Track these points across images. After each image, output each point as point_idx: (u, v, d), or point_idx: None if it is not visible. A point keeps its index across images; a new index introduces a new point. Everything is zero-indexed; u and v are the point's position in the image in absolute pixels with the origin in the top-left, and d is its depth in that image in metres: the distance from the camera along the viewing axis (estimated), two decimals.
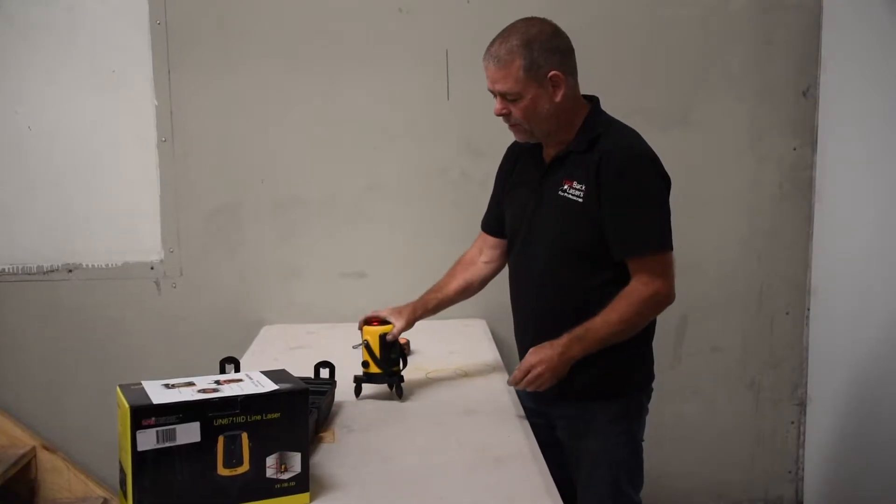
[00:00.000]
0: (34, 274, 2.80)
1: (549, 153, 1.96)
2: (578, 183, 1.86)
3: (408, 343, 2.41)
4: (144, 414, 1.32)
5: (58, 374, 2.84)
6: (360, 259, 2.87)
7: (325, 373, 1.99)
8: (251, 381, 1.46)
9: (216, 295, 2.84)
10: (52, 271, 2.80)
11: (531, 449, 1.68)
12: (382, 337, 1.98)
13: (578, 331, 1.82)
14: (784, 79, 2.87)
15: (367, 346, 1.98)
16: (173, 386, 1.43)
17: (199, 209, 2.81)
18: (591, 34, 2.77)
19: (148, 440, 1.32)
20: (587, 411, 1.94)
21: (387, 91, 2.79)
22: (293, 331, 2.74)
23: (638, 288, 1.83)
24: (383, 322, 2.02)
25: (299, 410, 1.44)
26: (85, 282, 2.81)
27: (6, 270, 2.79)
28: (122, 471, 1.37)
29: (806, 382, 2.98)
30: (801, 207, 2.92)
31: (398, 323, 2.01)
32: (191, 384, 1.44)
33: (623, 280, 1.87)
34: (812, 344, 2.95)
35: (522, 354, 2.04)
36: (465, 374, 2.23)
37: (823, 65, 2.87)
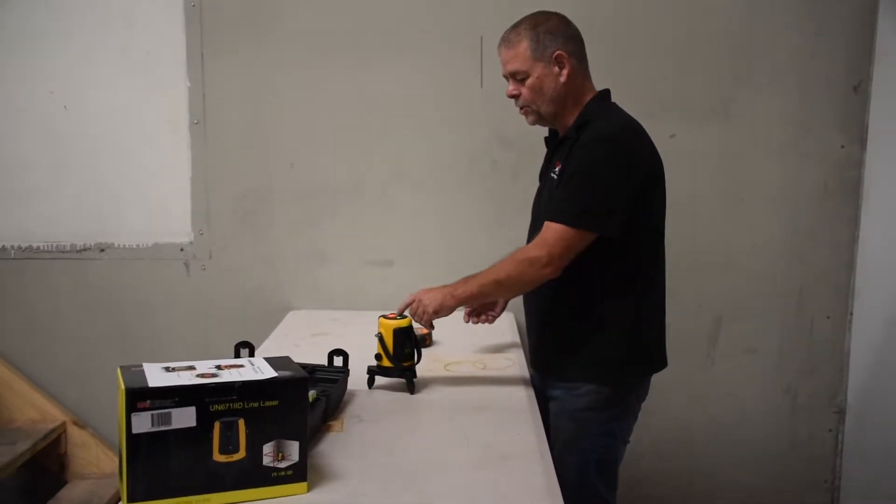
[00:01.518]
0: (67, 252, 2.83)
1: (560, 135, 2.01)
2: (561, 165, 1.91)
3: (429, 334, 2.39)
4: (140, 396, 1.31)
5: (87, 351, 2.87)
6: (386, 247, 2.84)
7: (338, 361, 1.97)
8: (252, 368, 1.44)
9: (244, 278, 2.84)
10: (85, 250, 2.83)
11: (539, 447, 1.63)
12: (396, 332, 1.95)
13: (468, 277, 1.92)
14: (834, 72, 2.75)
15: (381, 340, 1.96)
16: (173, 369, 1.42)
17: (229, 192, 2.81)
18: (627, 23, 2.72)
19: (143, 423, 1.31)
20: (571, 394, 1.95)
21: (419, 78, 2.75)
22: (318, 317, 2.73)
23: (526, 247, 1.90)
24: (402, 316, 1.98)
25: (298, 398, 1.42)
26: (116, 261, 2.84)
27: (40, 248, 2.83)
28: (119, 454, 1.36)
29: (846, 389, 2.87)
30: (846, 207, 2.80)
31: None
32: (191, 368, 1.43)
33: (620, 277, 1.89)
34: (853, 349, 2.84)
35: (531, 350, 2.10)
36: (485, 368, 2.19)
37: (877, 59, 2.74)
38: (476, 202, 2.80)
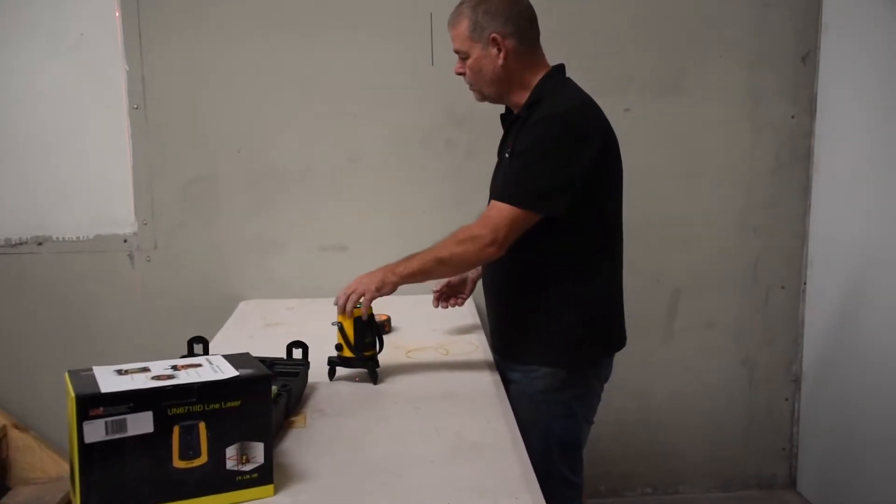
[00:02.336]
0: (2, 246, 2.69)
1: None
2: (513, 145, 1.86)
3: (388, 320, 2.33)
4: (92, 403, 1.22)
5: (28, 350, 2.75)
6: (340, 232, 2.77)
7: (298, 353, 1.90)
8: (210, 367, 1.37)
9: (192, 269, 2.74)
10: (21, 244, 2.70)
11: (511, 435, 1.60)
12: (357, 320, 1.88)
13: (413, 256, 1.87)
14: (783, 43, 2.76)
15: (341, 329, 1.89)
16: (126, 372, 1.34)
17: (174, 180, 2.70)
18: None
19: (96, 431, 1.23)
20: (528, 377, 1.92)
21: (368, 57, 2.67)
22: (271, 306, 2.65)
23: (469, 226, 1.84)
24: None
25: (261, 398, 1.35)
26: (55, 255, 2.71)
27: None
28: (70, 464, 1.28)
29: (801, 359, 2.91)
30: (798, 178, 2.82)
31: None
32: (145, 370, 1.35)
33: (575, 254, 1.86)
34: (807, 320, 2.87)
35: (490, 332, 2.07)
36: (447, 353, 2.14)
37: (824, 29, 2.76)
38: (430, 183, 2.75)
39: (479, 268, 2.12)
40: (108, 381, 1.28)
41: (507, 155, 1.90)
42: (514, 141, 1.86)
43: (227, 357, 1.43)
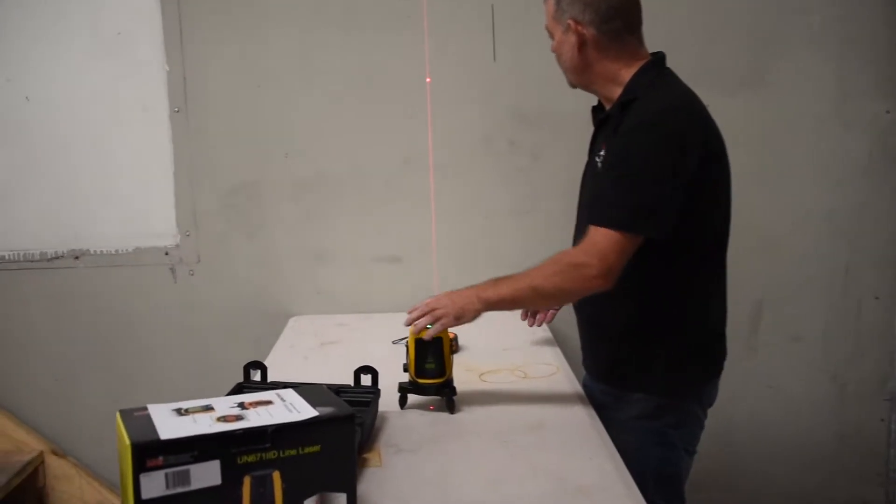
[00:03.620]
0: (37, 261, 2.53)
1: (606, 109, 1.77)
2: (606, 149, 1.67)
3: (455, 339, 2.13)
4: (150, 452, 1.03)
5: (65, 371, 2.58)
6: (394, 241, 2.57)
7: (366, 379, 1.70)
8: (283, 404, 1.18)
9: (238, 283, 2.56)
10: (57, 258, 2.53)
11: (621, 476, 1.39)
12: (417, 341, 1.68)
13: (502, 278, 1.66)
14: (875, 30, 2.52)
15: (418, 350, 1.69)
16: (187, 412, 1.15)
17: (218, 187, 2.53)
18: None
19: (155, 485, 1.04)
20: (622, 402, 1.73)
21: (424, 53, 2.47)
22: (322, 323, 2.46)
23: (573, 251, 1.63)
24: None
25: (345, 441, 1.15)
26: (93, 269, 2.54)
27: (6, 258, 2.52)
28: None
29: None
30: (892, 178, 2.58)
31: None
32: (209, 409, 1.16)
33: (681, 272, 1.66)
34: None
35: (584, 353, 1.88)
36: (525, 376, 1.94)
37: None
38: (493, 187, 2.54)
39: None
40: (168, 423, 1.09)
41: (597, 160, 1.69)
42: (608, 145, 1.65)
43: (298, 390, 1.24)
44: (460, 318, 1.65)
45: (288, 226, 2.55)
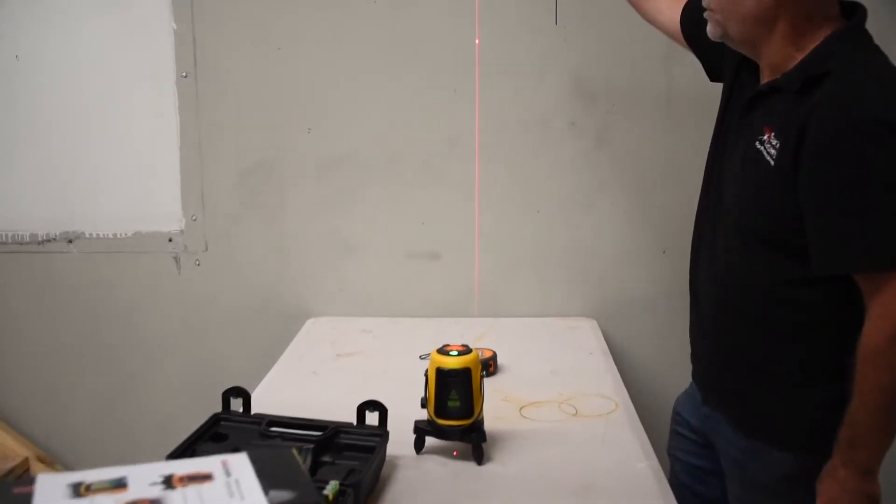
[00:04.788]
0: (26, 244, 2.24)
1: (763, 78, 1.35)
2: (777, 136, 1.27)
3: (494, 357, 1.77)
4: None
5: (56, 369, 2.29)
6: (433, 235, 2.20)
7: (373, 417, 1.35)
8: (225, 481, 0.83)
9: (249, 276, 2.23)
10: (49, 241, 2.24)
11: None
12: (438, 372, 1.33)
13: (844, 432, 1.23)
14: None
15: (438, 384, 1.33)
16: (87, 489, 0.81)
17: (230, 166, 2.19)
18: None
19: None
20: (762, 458, 1.37)
21: (472, 14, 2.06)
22: (343, 327, 2.12)
23: (871, 332, 1.20)
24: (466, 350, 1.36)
25: None
26: (88, 255, 2.24)
27: None
28: None
29: None
30: None
31: None
32: (120, 485, 0.82)
33: (847, 295, 1.24)
34: None
35: (695, 355, 1.54)
36: (576, 413, 1.56)
37: None
38: (550, 175, 2.15)
39: None
40: None
41: (760, 147, 1.29)
42: (777, 130, 1.27)
43: (256, 461, 0.88)
44: None
45: (310, 212, 2.20)
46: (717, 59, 1.52)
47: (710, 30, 1.34)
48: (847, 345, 1.22)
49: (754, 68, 1.37)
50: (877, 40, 1.29)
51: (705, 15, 1.34)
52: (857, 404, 1.21)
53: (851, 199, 1.19)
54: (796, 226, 1.24)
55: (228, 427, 1.37)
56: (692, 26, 1.53)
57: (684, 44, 1.61)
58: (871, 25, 1.29)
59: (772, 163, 1.26)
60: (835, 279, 1.24)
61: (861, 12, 1.29)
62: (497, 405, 1.55)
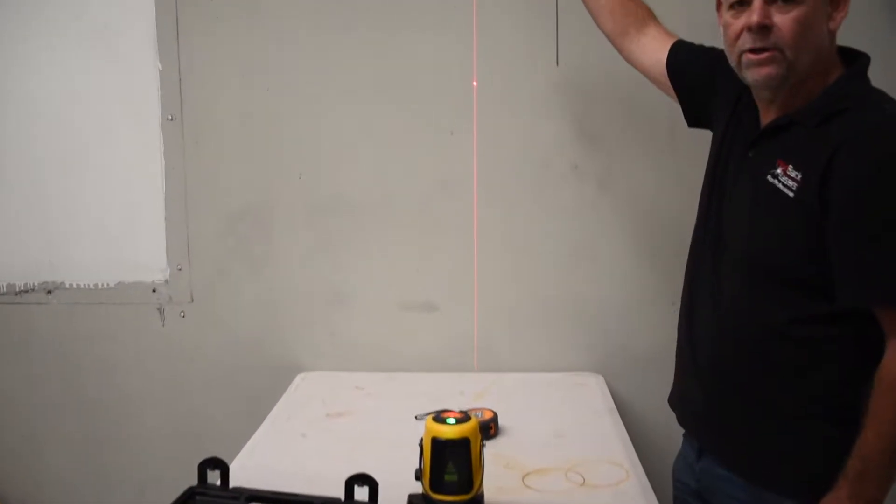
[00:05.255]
0: (3, 294, 2.15)
1: (766, 116, 1.36)
2: (795, 169, 1.28)
3: (495, 419, 1.66)
4: None
5: (34, 424, 2.18)
6: (428, 284, 2.10)
7: (361, 493, 1.23)
8: None
9: (237, 330, 2.13)
10: (27, 292, 2.14)
11: None
12: (434, 442, 1.22)
13: (854, 464, 1.21)
14: None
15: (434, 457, 1.23)
16: None
17: (217, 212, 2.10)
18: None
19: None
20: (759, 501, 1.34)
21: (470, 55, 1.99)
22: (334, 383, 2.02)
23: (890, 365, 1.21)
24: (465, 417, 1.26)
25: None
26: (68, 307, 2.14)
27: None
28: None
29: None
30: None
31: None
32: None
33: (865, 334, 1.24)
34: None
35: (685, 400, 1.49)
36: (584, 483, 1.45)
37: None
38: (551, 220, 2.05)
39: None
40: None
41: (775, 183, 1.28)
42: (796, 164, 1.27)
43: None
44: None
45: (300, 261, 2.10)
46: (701, 103, 1.53)
47: (770, 71, 1.28)
48: (853, 381, 1.24)
49: (752, 106, 1.38)
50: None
51: (764, 57, 1.27)
52: (871, 437, 1.20)
53: (884, 231, 1.20)
54: (815, 258, 1.23)
55: (204, 503, 1.26)
56: (679, 67, 1.56)
57: (667, 85, 1.59)
58: (870, 27, 1.29)
59: (790, 194, 1.26)
60: (849, 315, 1.23)
61: (865, 56, 1.33)
62: (498, 473, 1.44)
